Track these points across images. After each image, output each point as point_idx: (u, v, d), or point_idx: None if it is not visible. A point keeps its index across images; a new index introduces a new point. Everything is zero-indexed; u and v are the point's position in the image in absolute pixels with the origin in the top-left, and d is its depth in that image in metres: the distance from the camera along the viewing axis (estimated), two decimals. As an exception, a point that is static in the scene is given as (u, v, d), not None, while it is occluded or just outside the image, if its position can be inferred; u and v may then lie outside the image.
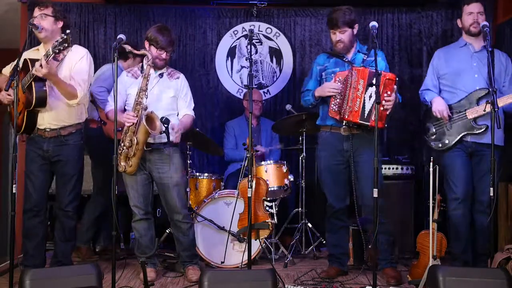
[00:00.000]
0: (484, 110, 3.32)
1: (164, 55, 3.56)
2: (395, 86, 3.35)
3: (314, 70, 3.70)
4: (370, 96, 3.34)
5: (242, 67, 5.23)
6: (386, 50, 5.18)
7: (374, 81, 3.04)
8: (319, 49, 5.22)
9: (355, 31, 3.54)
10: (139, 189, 3.59)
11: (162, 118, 3.41)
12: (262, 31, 5.24)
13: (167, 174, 3.57)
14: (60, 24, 3.46)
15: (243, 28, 5.22)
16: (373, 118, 3.30)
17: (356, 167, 3.54)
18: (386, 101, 3.30)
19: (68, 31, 3.15)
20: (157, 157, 3.57)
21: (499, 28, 4.71)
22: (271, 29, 5.24)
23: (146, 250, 3.63)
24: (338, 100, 3.45)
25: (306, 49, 5.25)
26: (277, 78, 5.27)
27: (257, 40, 5.21)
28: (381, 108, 3.29)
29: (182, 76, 3.74)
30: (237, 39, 5.24)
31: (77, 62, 3.39)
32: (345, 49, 3.55)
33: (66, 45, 3.13)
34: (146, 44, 3.59)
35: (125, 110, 3.61)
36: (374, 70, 3.30)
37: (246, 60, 4.77)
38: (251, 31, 3.42)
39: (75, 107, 3.48)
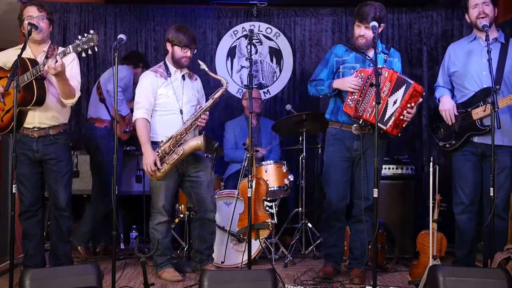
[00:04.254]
0: (484, 111, 3.28)
1: (189, 53, 3.58)
2: (420, 99, 3.32)
3: (330, 60, 3.56)
4: (395, 102, 3.29)
5: (242, 67, 5.23)
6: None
7: (374, 81, 2.99)
8: (319, 49, 5.23)
9: (380, 29, 3.36)
10: (171, 190, 3.61)
11: (216, 143, 3.59)
12: (262, 31, 5.24)
13: (205, 172, 3.63)
14: (50, 28, 3.48)
15: (243, 28, 5.22)
16: (390, 124, 3.28)
17: (364, 166, 3.49)
18: (408, 112, 3.28)
19: (92, 31, 3.14)
20: (192, 156, 3.60)
21: (498, 28, 4.70)
22: (271, 29, 5.24)
23: (166, 251, 3.65)
24: (355, 96, 3.35)
25: (306, 49, 5.26)
26: (277, 78, 5.27)
27: (257, 40, 5.21)
28: (401, 117, 3.29)
29: (197, 77, 3.82)
30: (237, 39, 5.24)
31: (68, 65, 3.35)
32: (366, 45, 3.43)
33: (92, 44, 3.10)
34: (168, 45, 3.61)
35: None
36: (403, 76, 3.30)
37: (246, 60, 4.78)
38: (251, 31, 3.39)
39: (66, 107, 3.50)
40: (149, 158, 3.46)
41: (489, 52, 3.09)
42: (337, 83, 3.44)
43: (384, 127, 3.31)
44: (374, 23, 3.17)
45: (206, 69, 3.57)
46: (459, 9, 5.08)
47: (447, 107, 3.45)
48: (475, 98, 3.37)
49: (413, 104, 3.29)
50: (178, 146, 3.49)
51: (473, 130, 3.37)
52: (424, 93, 3.34)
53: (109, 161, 4.19)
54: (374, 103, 3.17)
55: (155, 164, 3.45)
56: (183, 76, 3.67)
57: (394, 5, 5.17)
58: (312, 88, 3.60)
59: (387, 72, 3.32)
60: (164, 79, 3.60)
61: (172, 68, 3.64)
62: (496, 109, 3.04)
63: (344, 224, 3.71)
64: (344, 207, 3.61)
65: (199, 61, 3.59)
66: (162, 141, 3.53)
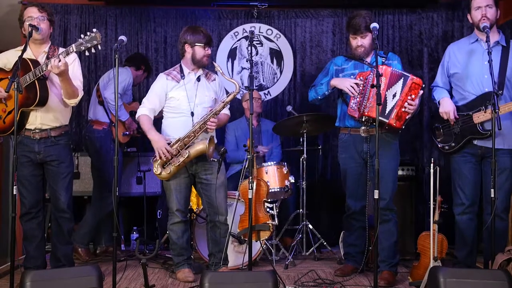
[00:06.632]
0: (484, 113, 3.28)
1: (209, 51, 3.62)
2: (420, 91, 3.39)
3: (330, 69, 3.73)
4: (394, 96, 3.37)
5: (243, 68, 5.23)
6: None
7: (375, 82, 3.04)
8: (319, 50, 5.23)
9: (374, 34, 3.47)
10: (182, 192, 3.62)
11: (222, 147, 3.59)
12: (262, 33, 5.24)
13: (215, 175, 3.63)
14: (51, 29, 3.48)
15: (243, 29, 5.23)
16: (392, 117, 3.35)
17: (371, 168, 3.53)
18: (409, 104, 3.35)
19: (94, 29, 3.15)
20: (203, 159, 3.60)
21: (499, 29, 4.69)
22: (271, 30, 5.24)
23: (182, 252, 3.66)
24: (357, 98, 3.48)
25: (306, 51, 5.26)
26: (277, 80, 5.27)
27: (258, 42, 5.21)
28: (403, 110, 3.36)
29: (217, 77, 3.79)
30: (237, 41, 5.24)
31: (70, 65, 3.34)
32: (365, 53, 3.58)
33: (95, 43, 3.11)
34: (187, 47, 3.62)
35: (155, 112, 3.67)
36: (397, 71, 3.40)
37: (247, 61, 4.75)
38: (252, 32, 3.42)
39: (68, 108, 3.50)
40: (158, 142, 3.50)
41: (489, 53, 3.09)
42: (336, 81, 3.61)
43: (386, 120, 3.37)
44: (375, 25, 3.23)
45: (221, 71, 3.59)
46: (460, 10, 5.09)
47: (447, 109, 3.45)
48: (476, 102, 3.37)
49: (413, 96, 3.38)
50: (186, 149, 3.50)
51: (473, 134, 3.37)
52: (423, 85, 3.42)
53: (107, 162, 4.20)
54: (372, 99, 3.35)
55: (166, 149, 3.47)
56: (198, 78, 3.67)
57: (395, 6, 5.17)
58: (312, 91, 3.77)
59: (382, 69, 3.40)
60: (176, 81, 3.62)
61: (186, 70, 3.66)
62: (496, 110, 3.04)
63: (363, 224, 3.73)
64: (362, 208, 3.69)
65: (214, 63, 3.62)
66: (170, 142, 3.54)
